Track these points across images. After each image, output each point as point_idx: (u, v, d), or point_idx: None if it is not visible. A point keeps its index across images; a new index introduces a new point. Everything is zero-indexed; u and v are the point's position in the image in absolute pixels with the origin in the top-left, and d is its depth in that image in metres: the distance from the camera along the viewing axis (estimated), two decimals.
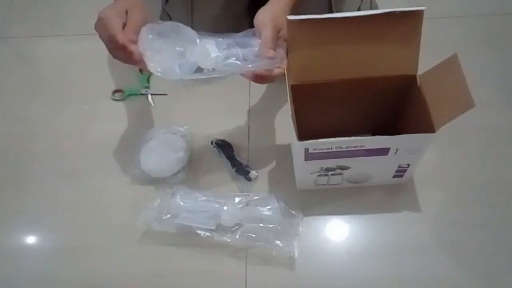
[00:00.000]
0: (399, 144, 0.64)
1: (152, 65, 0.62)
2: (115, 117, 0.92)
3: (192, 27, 0.63)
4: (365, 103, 0.72)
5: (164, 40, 0.63)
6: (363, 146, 0.63)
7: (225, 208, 0.72)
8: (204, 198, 0.74)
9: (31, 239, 0.79)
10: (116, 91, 0.96)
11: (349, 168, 0.70)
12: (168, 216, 0.73)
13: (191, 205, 0.73)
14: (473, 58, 0.92)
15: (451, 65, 0.60)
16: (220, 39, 0.64)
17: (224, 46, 0.63)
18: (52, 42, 1.08)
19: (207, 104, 0.91)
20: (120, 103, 0.95)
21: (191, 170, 0.82)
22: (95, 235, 0.77)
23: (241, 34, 0.65)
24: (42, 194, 0.83)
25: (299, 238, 0.71)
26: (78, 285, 0.73)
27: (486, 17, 0.99)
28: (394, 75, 0.67)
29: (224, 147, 0.83)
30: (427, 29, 0.96)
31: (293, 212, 0.73)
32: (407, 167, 0.71)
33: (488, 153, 0.81)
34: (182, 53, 0.62)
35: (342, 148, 0.64)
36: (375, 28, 0.62)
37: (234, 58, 0.63)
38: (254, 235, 0.70)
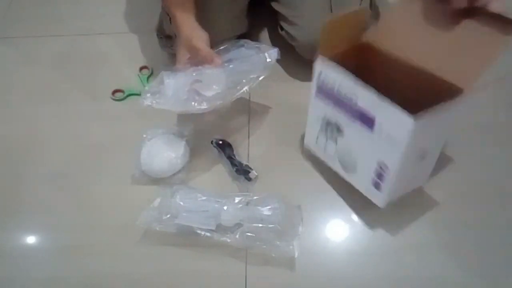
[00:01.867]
0: (383, 114, 0.60)
1: None
2: (115, 117, 0.92)
3: None
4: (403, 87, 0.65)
5: None
6: (357, 97, 0.62)
7: (225, 208, 0.72)
8: (204, 198, 0.74)
9: (31, 239, 0.79)
10: (116, 91, 0.96)
11: (342, 132, 0.69)
12: (168, 216, 0.73)
13: (191, 205, 0.73)
14: None
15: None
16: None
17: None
18: (52, 42, 1.08)
19: None
20: (120, 103, 0.95)
21: (191, 170, 0.82)
22: (95, 235, 0.77)
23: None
24: (42, 194, 0.83)
25: (299, 238, 0.71)
26: (78, 285, 0.73)
27: None
28: (444, 79, 0.61)
29: (224, 147, 0.83)
30: None
31: (293, 212, 0.73)
32: (385, 171, 0.66)
33: (488, 153, 0.81)
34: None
35: (342, 94, 0.64)
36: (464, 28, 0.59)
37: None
38: (254, 235, 0.70)
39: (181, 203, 0.73)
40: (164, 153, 0.81)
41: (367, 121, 0.63)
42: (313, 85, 0.71)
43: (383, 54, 0.67)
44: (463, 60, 0.59)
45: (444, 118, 0.61)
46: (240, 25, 0.95)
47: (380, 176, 0.67)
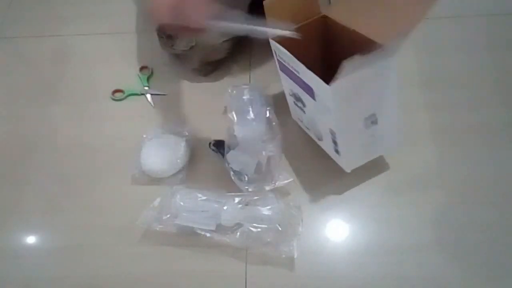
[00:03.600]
0: (315, 84, 0.63)
1: None
2: (115, 117, 0.92)
3: None
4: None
5: None
6: (297, 71, 0.66)
7: (225, 208, 0.72)
8: (204, 198, 0.74)
9: (31, 239, 0.79)
10: (116, 91, 0.96)
11: (304, 103, 0.71)
12: (168, 216, 0.73)
13: (191, 205, 0.73)
14: (473, 58, 0.92)
15: None
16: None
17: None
18: (52, 42, 1.08)
19: (206, 104, 0.91)
20: (120, 103, 0.95)
21: (191, 170, 0.82)
22: (95, 235, 0.77)
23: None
24: (42, 194, 0.83)
25: (299, 238, 0.71)
26: (78, 285, 0.73)
27: (486, 17, 0.99)
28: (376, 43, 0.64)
29: (222, 147, 0.83)
30: (427, 29, 0.96)
31: (293, 212, 0.73)
32: (336, 137, 0.68)
33: (488, 153, 0.81)
34: None
35: (292, 68, 0.67)
36: None
37: None
38: (254, 235, 0.70)
39: (181, 203, 0.73)
40: (164, 153, 0.81)
41: (309, 91, 0.66)
42: (275, 62, 0.74)
43: (338, 26, 0.70)
44: (392, 22, 0.63)
45: (367, 77, 0.62)
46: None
47: (334, 142, 0.70)
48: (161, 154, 0.81)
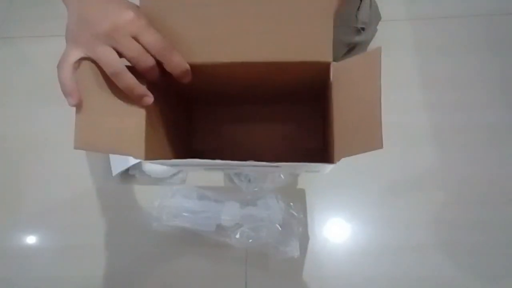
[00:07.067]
0: (291, 169, 0.50)
1: None
2: None
3: None
4: (271, 96, 0.55)
5: None
6: (241, 167, 0.50)
7: (225, 208, 0.72)
8: (204, 198, 0.74)
9: (31, 239, 0.79)
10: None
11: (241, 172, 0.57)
12: (168, 216, 0.73)
13: (191, 205, 0.73)
14: (473, 58, 0.92)
15: (369, 64, 0.40)
16: None
17: None
18: (52, 42, 1.07)
19: None
20: None
21: (191, 170, 0.82)
22: (95, 235, 0.77)
23: None
24: (42, 194, 0.83)
25: (299, 238, 0.71)
26: (78, 285, 0.73)
27: (486, 17, 0.99)
28: (303, 61, 0.46)
29: None
30: (427, 29, 0.96)
31: (293, 212, 0.73)
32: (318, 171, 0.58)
33: (488, 153, 0.81)
34: None
35: (214, 167, 0.48)
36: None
37: None
38: (254, 235, 0.70)
39: (181, 203, 0.73)
40: None
41: (270, 167, 0.48)
42: None
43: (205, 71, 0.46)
44: (304, 28, 0.45)
45: None
46: None
47: (312, 172, 0.61)
48: None
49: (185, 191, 0.75)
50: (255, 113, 0.58)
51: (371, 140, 0.39)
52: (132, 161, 0.80)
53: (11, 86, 1.01)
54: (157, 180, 0.81)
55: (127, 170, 0.80)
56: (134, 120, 0.43)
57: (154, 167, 0.81)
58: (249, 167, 0.47)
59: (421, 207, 0.76)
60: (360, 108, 0.41)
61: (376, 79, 0.39)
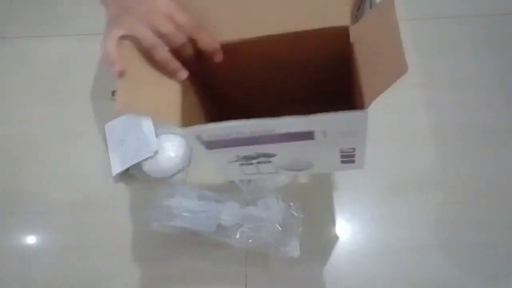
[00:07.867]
0: (322, 125, 0.48)
1: None
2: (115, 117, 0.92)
3: None
4: (296, 69, 0.55)
5: None
6: (274, 130, 0.46)
7: (225, 208, 0.72)
8: (204, 198, 0.74)
9: (31, 239, 0.79)
10: (116, 91, 0.96)
11: (275, 155, 0.54)
12: (168, 216, 0.73)
13: (191, 205, 0.73)
14: (473, 58, 0.92)
15: (383, 12, 0.44)
16: None
17: None
18: (52, 42, 1.08)
19: None
20: None
21: (191, 170, 0.82)
22: (95, 235, 0.77)
23: None
24: (42, 194, 0.83)
25: (299, 238, 0.71)
26: (78, 285, 0.73)
27: (486, 17, 0.99)
28: (322, 28, 0.48)
29: None
30: (427, 29, 0.96)
31: (293, 212, 0.73)
32: (354, 151, 0.54)
33: (487, 153, 0.81)
34: None
35: (248, 133, 0.47)
36: None
37: None
38: (254, 235, 0.70)
39: (181, 203, 0.73)
40: (164, 153, 0.81)
41: (302, 136, 0.49)
42: (195, 147, 0.55)
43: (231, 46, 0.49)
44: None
45: None
46: None
47: (348, 156, 0.56)
48: (161, 154, 0.81)
49: (185, 191, 0.75)
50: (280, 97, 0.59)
51: (395, 67, 0.41)
52: (132, 161, 0.80)
53: (11, 86, 1.01)
54: (157, 180, 0.81)
55: (127, 170, 0.81)
56: (170, 91, 0.47)
57: (154, 167, 0.81)
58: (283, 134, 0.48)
59: (421, 207, 0.76)
60: (380, 44, 0.44)
61: (391, 12, 0.43)
